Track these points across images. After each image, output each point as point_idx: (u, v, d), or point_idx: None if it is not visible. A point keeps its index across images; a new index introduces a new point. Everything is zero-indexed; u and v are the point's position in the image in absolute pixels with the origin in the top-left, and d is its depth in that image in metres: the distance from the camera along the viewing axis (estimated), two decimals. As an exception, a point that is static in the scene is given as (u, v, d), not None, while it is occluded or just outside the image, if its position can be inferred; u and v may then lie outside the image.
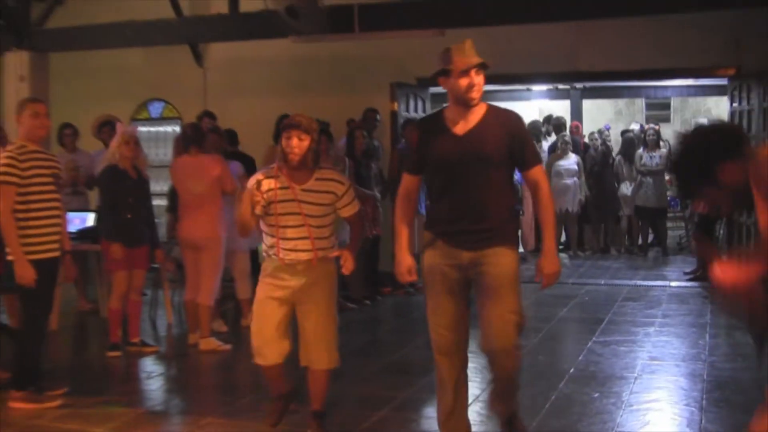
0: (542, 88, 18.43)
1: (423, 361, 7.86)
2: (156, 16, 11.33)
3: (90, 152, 10.74)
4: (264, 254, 5.76)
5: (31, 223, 6.54)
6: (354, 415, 6.23)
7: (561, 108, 18.76)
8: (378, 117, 11.63)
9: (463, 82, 5.06)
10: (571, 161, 14.75)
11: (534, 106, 20.48)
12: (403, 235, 5.37)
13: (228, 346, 8.42)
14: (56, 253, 6.75)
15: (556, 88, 18.36)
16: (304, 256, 5.58)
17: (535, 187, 5.23)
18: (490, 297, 5.10)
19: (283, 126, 5.55)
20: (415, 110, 12.38)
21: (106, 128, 10.12)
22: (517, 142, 5.12)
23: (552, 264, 5.22)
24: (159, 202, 11.80)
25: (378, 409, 6.44)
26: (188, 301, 8.64)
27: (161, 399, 7.22)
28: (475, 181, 5.10)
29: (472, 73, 5.08)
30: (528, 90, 18.67)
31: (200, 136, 8.62)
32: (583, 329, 9.42)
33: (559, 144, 15.04)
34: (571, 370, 7.50)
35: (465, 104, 5.12)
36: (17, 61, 10.77)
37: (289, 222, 5.56)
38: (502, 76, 12.67)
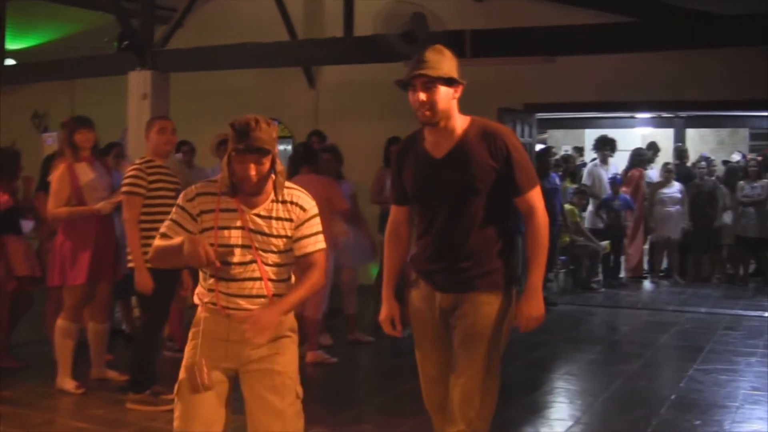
0: (646, 115, 18.42)
1: (525, 381, 8.05)
2: (271, 38, 11.64)
3: (206, 169, 11.11)
4: (196, 300, 4.31)
5: (153, 233, 6.72)
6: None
7: (664, 136, 18.72)
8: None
9: (411, 97, 4.29)
10: (674, 189, 14.74)
11: (637, 133, 20.45)
12: (389, 276, 4.70)
13: (334, 359, 8.63)
14: (174, 264, 7.01)
15: (660, 116, 18.33)
16: (254, 303, 4.12)
17: (528, 214, 4.37)
18: (457, 356, 4.38)
19: (236, 149, 3.94)
20: (522, 135, 12.52)
21: (224, 146, 10.44)
22: (505, 163, 4.27)
23: (534, 306, 4.38)
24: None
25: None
26: (296, 314, 8.88)
27: (270, 407, 7.47)
28: (455, 211, 4.35)
29: (418, 86, 4.24)
30: (632, 117, 18.67)
31: (311, 156, 8.85)
32: (683, 356, 9.41)
33: (662, 172, 15.06)
34: (672, 397, 7.53)
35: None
36: (140, 80, 11.18)
37: (234, 257, 4.10)
38: (607, 103, 12.81)
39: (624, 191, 14.83)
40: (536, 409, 7.37)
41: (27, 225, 8.89)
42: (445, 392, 4.48)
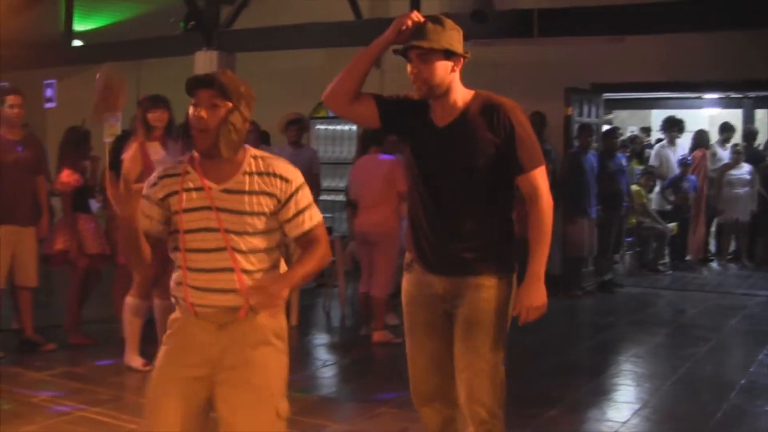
0: (714, 96, 18.16)
1: (592, 363, 8.01)
2: (336, 18, 11.65)
3: (273, 149, 11.15)
4: (172, 299, 3.72)
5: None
6: (523, 415, 6.26)
7: (732, 117, 18.43)
8: (544, 120, 11.65)
9: (408, 67, 4.04)
10: (743, 171, 14.52)
11: (704, 114, 20.17)
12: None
13: (399, 339, 8.63)
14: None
15: (729, 97, 18.05)
16: (225, 300, 3.52)
17: (531, 196, 4.05)
18: (459, 347, 4.13)
19: (187, 86, 3.52)
20: (589, 115, 12.40)
21: (293, 126, 10.51)
22: (507, 138, 3.99)
23: (535, 295, 4.05)
24: (336, 198, 12.19)
25: (548, 409, 6.54)
26: (362, 293, 8.94)
27: (336, 386, 7.52)
28: (453, 188, 4.09)
29: (413, 58, 4.01)
30: (699, 98, 18.42)
31: (378, 136, 8.87)
32: (752, 341, 9.32)
33: (731, 154, 14.86)
34: (742, 381, 7.44)
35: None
36: (206, 60, 11.25)
37: (202, 243, 3.52)
38: (675, 83, 12.64)
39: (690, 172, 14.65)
40: (603, 391, 7.32)
41: (94, 204, 9.00)
42: (435, 384, 4.30)
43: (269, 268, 3.60)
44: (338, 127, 13.87)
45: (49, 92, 14.80)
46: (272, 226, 3.57)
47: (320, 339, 9.24)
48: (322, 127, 13.93)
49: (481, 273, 4.09)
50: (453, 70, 4.05)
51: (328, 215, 12.11)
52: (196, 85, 3.47)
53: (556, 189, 11.32)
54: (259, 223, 3.52)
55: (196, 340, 3.57)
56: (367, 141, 8.93)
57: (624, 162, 12.91)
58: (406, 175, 4.34)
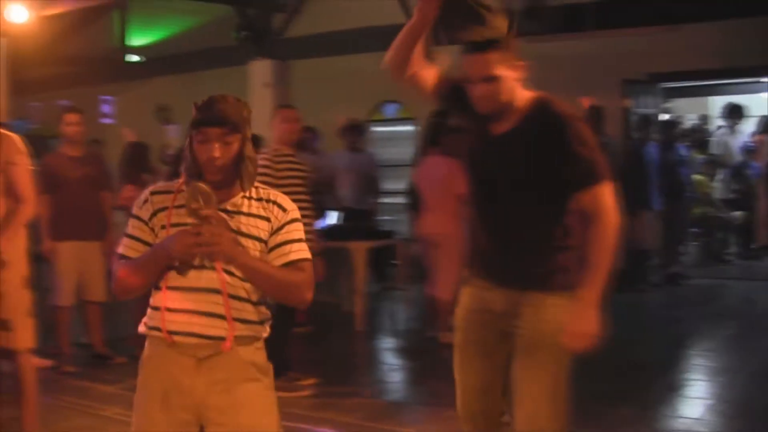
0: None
1: (662, 360, 7.90)
2: (387, 21, 11.62)
3: (330, 154, 11.17)
4: (142, 328, 3.37)
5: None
6: (594, 412, 6.20)
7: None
8: (602, 113, 11.54)
9: (469, 87, 3.82)
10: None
11: (765, 98, 19.90)
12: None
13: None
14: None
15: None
16: (207, 327, 3.21)
17: (594, 213, 3.70)
18: (519, 370, 3.85)
19: (195, 122, 3.24)
20: (646, 106, 12.27)
21: (350, 132, 10.53)
22: (565, 153, 3.68)
23: (587, 322, 3.69)
24: (396, 200, 12.20)
25: (619, 407, 6.48)
26: (427, 295, 8.92)
27: (404, 390, 7.50)
28: (511, 198, 3.83)
29: (475, 79, 3.79)
30: (758, 82, 18.17)
31: (437, 138, 8.84)
32: None
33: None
34: None
35: None
36: (261, 69, 11.32)
37: (188, 260, 3.22)
38: (733, 69, 12.47)
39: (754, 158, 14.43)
40: (675, 387, 7.22)
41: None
42: (484, 405, 4.03)
43: (257, 302, 3.29)
44: (395, 129, 13.87)
45: (106, 108, 14.96)
46: (263, 251, 3.26)
47: (386, 343, 9.23)
48: (379, 129, 13.95)
49: (543, 289, 3.81)
50: (516, 80, 3.80)
51: (389, 218, 12.11)
52: (206, 123, 3.18)
53: (617, 182, 11.33)
54: (253, 247, 3.24)
55: (176, 381, 3.23)
56: (427, 143, 8.89)
57: (684, 152, 12.77)
58: (465, 179, 4.07)
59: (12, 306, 5.25)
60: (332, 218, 10.18)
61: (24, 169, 5.50)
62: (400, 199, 11.49)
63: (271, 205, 3.30)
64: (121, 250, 3.33)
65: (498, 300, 3.90)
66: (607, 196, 3.70)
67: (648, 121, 11.55)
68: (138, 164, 8.37)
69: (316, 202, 9.23)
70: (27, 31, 11.35)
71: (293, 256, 3.27)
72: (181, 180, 3.33)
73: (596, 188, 3.68)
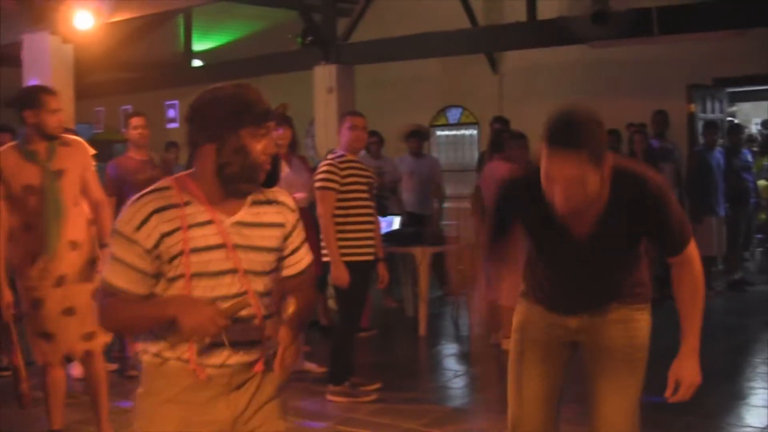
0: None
1: (726, 367, 7.82)
2: (452, 27, 11.65)
3: (394, 159, 11.21)
4: (147, 360, 3.01)
5: (347, 227, 6.88)
6: (659, 422, 6.12)
7: None
8: (667, 119, 11.47)
9: (544, 185, 3.40)
10: None
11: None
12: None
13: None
14: (370, 257, 7.04)
15: None
16: (245, 354, 2.97)
17: (683, 265, 3.63)
18: (604, 377, 3.76)
19: (260, 117, 2.91)
20: (712, 111, 12.19)
21: (414, 137, 10.57)
22: (657, 227, 3.55)
23: (692, 370, 3.67)
24: (460, 205, 12.21)
25: (683, 415, 6.39)
26: (490, 301, 8.88)
27: (468, 396, 7.48)
28: (592, 266, 3.67)
29: (556, 181, 3.34)
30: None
31: (499, 143, 8.84)
32: None
33: None
34: None
35: None
36: (325, 74, 11.36)
37: (216, 290, 2.91)
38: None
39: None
40: (739, 395, 7.15)
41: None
42: (539, 420, 3.85)
43: (275, 313, 3.08)
44: (459, 133, 13.89)
45: (172, 113, 15.12)
46: (277, 264, 3.09)
47: (449, 349, 9.23)
48: (443, 133, 13.98)
49: (624, 303, 3.74)
50: (603, 173, 3.38)
51: (453, 222, 12.13)
52: (269, 116, 2.96)
53: (682, 188, 11.28)
54: (272, 261, 3.05)
55: (205, 407, 2.98)
56: (490, 148, 8.92)
57: (749, 158, 12.65)
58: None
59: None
60: (395, 223, 10.20)
61: (94, 172, 5.64)
62: (464, 204, 11.50)
63: (281, 207, 3.09)
64: (108, 276, 2.94)
65: (571, 321, 3.78)
66: (694, 249, 3.63)
67: (714, 127, 11.45)
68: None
69: (379, 208, 9.30)
70: (92, 37, 11.50)
71: (304, 264, 3.17)
72: (168, 184, 3.01)
73: (688, 248, 3.61)
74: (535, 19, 10.84)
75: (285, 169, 7.39)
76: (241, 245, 2.94)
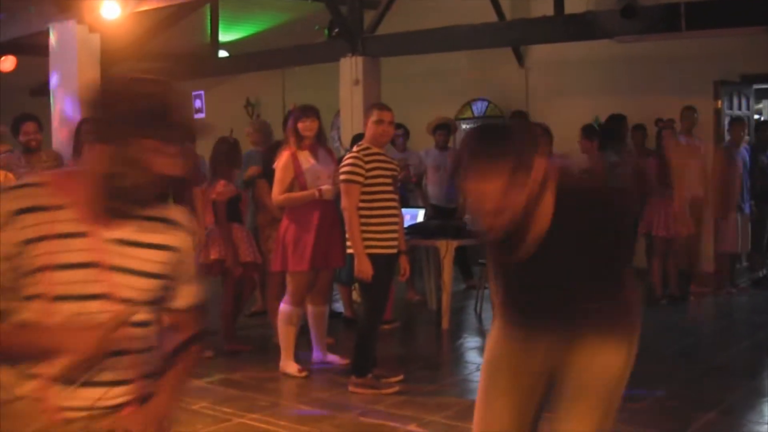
0: None
1: (748, 364, 7.81)
2: (479, 20, 11.62)
3: (419, 152, 11.21)
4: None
5: (372, 220, 6.89)
6: (681, 417, 6.20)
7: None
8: (696, 115, 11.42)
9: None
10: None
11: None
12: None
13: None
14: (393, 250, 7.05)
15: None
16: (114, 397, 2.46)
17: None
18: (563, 412, 3.42)
19: (167, 132, 2.35)
20: (739, 108, 12.13)
21: (440, 130, 10.57)
22: (615, 222, 3.37)
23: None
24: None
25: (705, 412, 6.40)
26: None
27: (490, 390, 7.49)
28: (557, 264, 3.34)
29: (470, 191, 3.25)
30: None
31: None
32: None
33: None
34: None
35: None
36: (352, 66, 11.35)
37: (81, 317, 2.37)
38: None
39: None
40: (762, 393, 7.11)
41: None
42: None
43: (153, 348, 2.59)
44: (485, 127, 13.87)
45: (197, 103, 15.15)
46: (160, 293, 2.58)
47: (472, 342, 9.22)
48: (469, 126, 13.97)
49: (597, 333, 3.37)
50: (532, 182, 3.17)
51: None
52: (184, 135, 2.43)
53: (709, 184, 11.22)
54: (152, 289, 2.54)
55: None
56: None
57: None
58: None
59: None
60: (420, 216, 10.22)
61: None
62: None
63: (176, 228, 2.62)
64: None
65: (540, 347, 3.47)
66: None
67: (741, 123, 11.39)
68: (228, 160, 8.47)
69: (404, 200, 9.32)
70: (119, 26, 11.55)
71: (195, 298, 2.75)
72: (44, 180, 2.47)
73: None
74: (563, 13, 10.81)
75: (310, 161, 7.42)
76: (119, 267, 2.43)
